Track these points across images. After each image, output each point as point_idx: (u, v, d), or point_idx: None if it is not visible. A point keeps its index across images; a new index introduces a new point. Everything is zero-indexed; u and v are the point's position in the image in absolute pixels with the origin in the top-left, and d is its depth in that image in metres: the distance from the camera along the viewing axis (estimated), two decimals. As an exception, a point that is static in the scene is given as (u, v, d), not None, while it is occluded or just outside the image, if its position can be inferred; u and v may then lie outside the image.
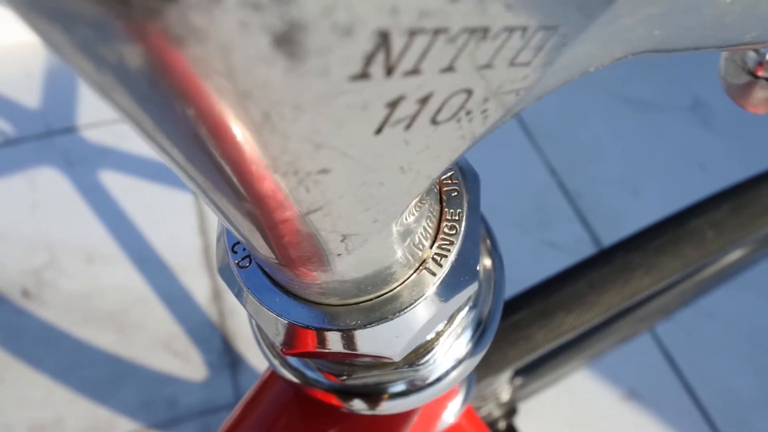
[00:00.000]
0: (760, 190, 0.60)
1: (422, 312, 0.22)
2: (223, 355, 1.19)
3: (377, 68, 0.11)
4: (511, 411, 0.69)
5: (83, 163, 1.43)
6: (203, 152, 0.12)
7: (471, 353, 0.28)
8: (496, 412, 0.68)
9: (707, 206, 0.59)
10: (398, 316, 0.21)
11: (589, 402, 1.18)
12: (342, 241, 0.16)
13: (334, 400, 0.28)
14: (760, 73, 0.25)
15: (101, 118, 1.48)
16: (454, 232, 0.22)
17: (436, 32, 0.11)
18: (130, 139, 1.46)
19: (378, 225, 0.17)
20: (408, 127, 0.13)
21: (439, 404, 0.37)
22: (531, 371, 0.67)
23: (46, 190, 1.39)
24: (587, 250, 1.35)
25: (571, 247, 1.34)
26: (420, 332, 0.22)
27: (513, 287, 0.51)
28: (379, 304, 0.21)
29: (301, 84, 0.10)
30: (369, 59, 0.10)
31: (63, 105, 1.53)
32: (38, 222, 1.35)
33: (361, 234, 0.16)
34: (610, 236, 1.37)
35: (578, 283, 0.55)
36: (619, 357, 1.22)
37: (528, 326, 0.52)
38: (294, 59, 0.10)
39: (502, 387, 0.64)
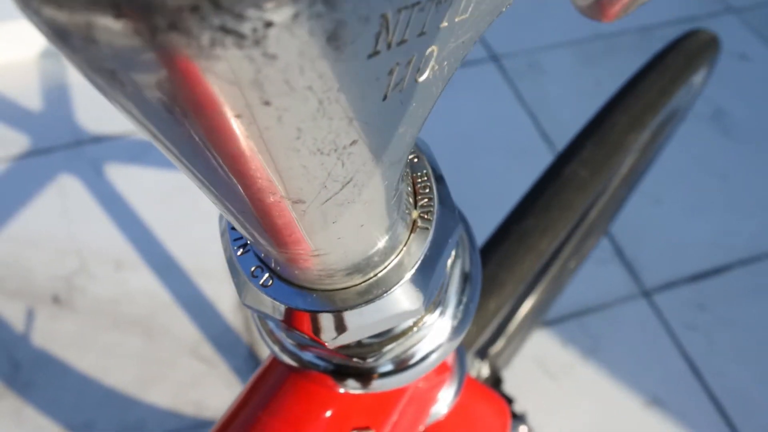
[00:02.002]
0: (613, 117, 0.61)
1: (427, 264, 0.24)
2: (248, 360, 1.21)
3: (382, 44, 0.14)
4: (496, 382, 0.69)
5: (111, 172, 1.45)
6: (264, 152, 0.14)
7: (452, 333, 0.30)
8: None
9: (573, 148, 0.61)
10: (412, 275, 0.24)
11: (611, 408, 1.18)
12: (364, 210, 0.19)
13: (330, 381, 0.30)
14: None
15: (128, 128, 1.50)
16: (428, 189, 0.25)
17: (413, 6, 0.14)
18: (156, 148, 1.46)
19: (388, 188, 0.19)
20: (402, 90, 0.16)
21: (430, 391, 0.39)
22: (495, 341, 0.67)
23: (76, 198, 1.41)
24: (610, 258, 1.35)
25: (593, 255, 1.34)
26: (433, 282, 0.24)
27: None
28: (392, 271, 0.24)
29: (341, 69, 0.13)
30: (377, 38, 0.13)
31: (92, 115, 1.55)
32: (68, 229, 1.37)
33: (377, 199, 0.19)
34: (632, 245, 1.36)
35: (488, 266, 0.56)
36: (641, 364, 1.22)
37: None
38: (338, 50, 0.12)
39: (476, 367, 0.65)
